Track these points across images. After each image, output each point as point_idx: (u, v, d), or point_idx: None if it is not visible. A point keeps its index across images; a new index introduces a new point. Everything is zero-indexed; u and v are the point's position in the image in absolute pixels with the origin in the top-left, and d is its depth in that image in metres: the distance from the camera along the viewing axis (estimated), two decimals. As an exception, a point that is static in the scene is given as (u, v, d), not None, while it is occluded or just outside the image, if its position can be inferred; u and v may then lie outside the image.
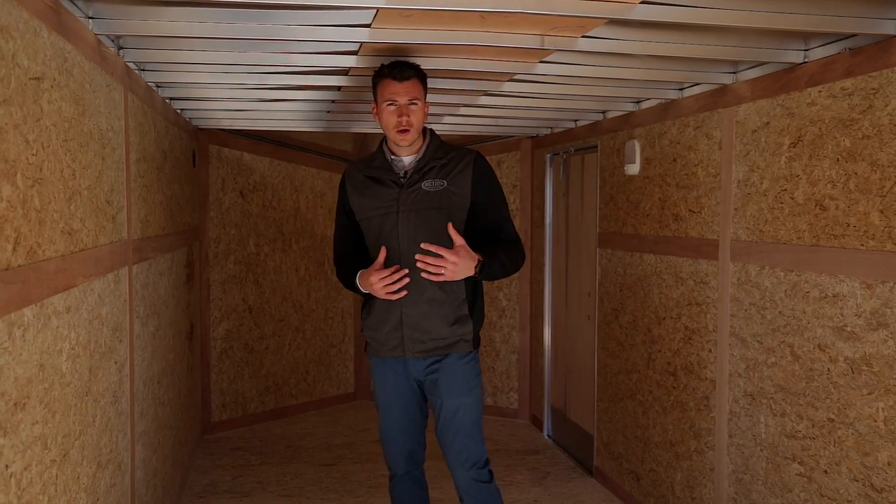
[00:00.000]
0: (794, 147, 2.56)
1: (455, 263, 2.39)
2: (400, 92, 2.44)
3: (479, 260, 2.43)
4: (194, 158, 4.53)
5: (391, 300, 2.51)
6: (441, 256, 2.38)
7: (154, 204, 3.12)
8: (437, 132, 2.73)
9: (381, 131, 4.42)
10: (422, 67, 2.51)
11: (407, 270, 2.47)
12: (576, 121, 4.34)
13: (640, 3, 1.96)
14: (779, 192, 2.63)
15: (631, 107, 3.68)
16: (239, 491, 3.99)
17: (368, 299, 2.62)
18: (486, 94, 3.26)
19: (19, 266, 1.54)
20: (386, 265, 2.50)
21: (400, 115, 2.45)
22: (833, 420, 2.39)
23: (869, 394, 2.23)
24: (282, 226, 5.32)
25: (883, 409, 2.18)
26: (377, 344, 2.62)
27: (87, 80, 2.08)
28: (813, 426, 2.48)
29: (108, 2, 2.11)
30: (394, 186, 2.53)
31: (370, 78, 2.85)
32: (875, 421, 2.21)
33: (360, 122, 4.21)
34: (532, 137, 5.12)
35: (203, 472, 4.26)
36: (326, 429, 5.15)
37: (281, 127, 4.49)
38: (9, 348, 1.48)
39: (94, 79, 2.17)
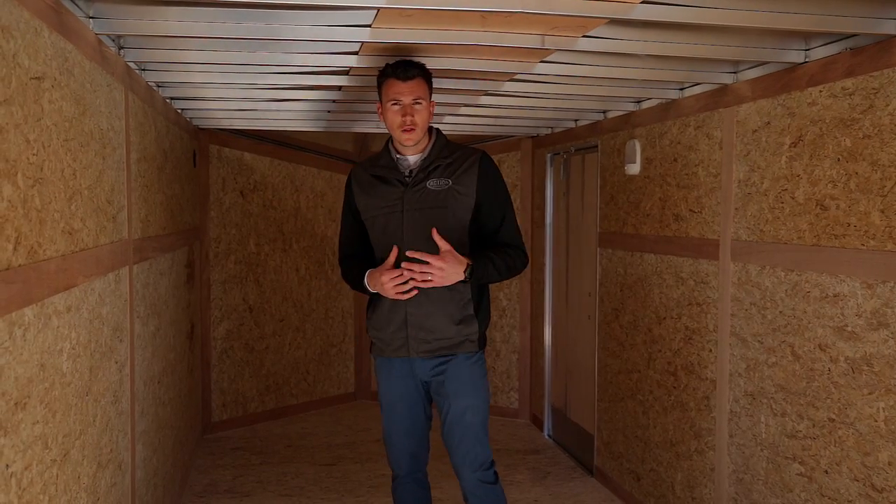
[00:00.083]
0: (794, 147, 2.56)
1: (441, 269, 2.38)
2: (404, 91, 2.44)
3: (467, 264, 2.42)
4: (195, 158, 4.53)
5: (397, 300, 2.50)
6: (427, 262, 2.38)
7: (155, 204, 3.12)
8: (438, 132, 2.73)
9: (381, 131, 4.47)
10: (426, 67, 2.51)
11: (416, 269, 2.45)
12: (576, 120, 4.34)
13: (641, 2, 1.96)
14: (779, 192, 2.63)
15: (631, 106, 3.68)
16: (239, 490, 3.99)
17: (374, 299, 2.61)
18: (487, 93, 3.26)
19: (20, 266, 1.54)
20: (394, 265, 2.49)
21: (404, 115, 2.45)
22: (834, 420, 2.39)
23: (869, 394, 2.23)
24: (282, 225, 5.32)
25: (883, 408, 2.18)
26: (382, 344, 2.61)
27: (87, 80, 2.08)
28: (813, 426, 2.48)
29: (109, 1, 2.11)
30: (399, 185, 2.53)
31: (371, 78, 2.85)
32: (876, 421, 2.21)
33: (361, 122, 4.21)
34: (532, 137, 5.12)
35: (203, 472, 4.26)
36: (327, 428, 5.15)
37: (281, 127, 4.49)
38: (9, 348, 1.48)
39: (95, 78, 2.17)
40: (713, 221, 3.03)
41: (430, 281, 2.40)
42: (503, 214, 2.57)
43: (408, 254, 2.43)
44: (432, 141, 2.57)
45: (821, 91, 2.44)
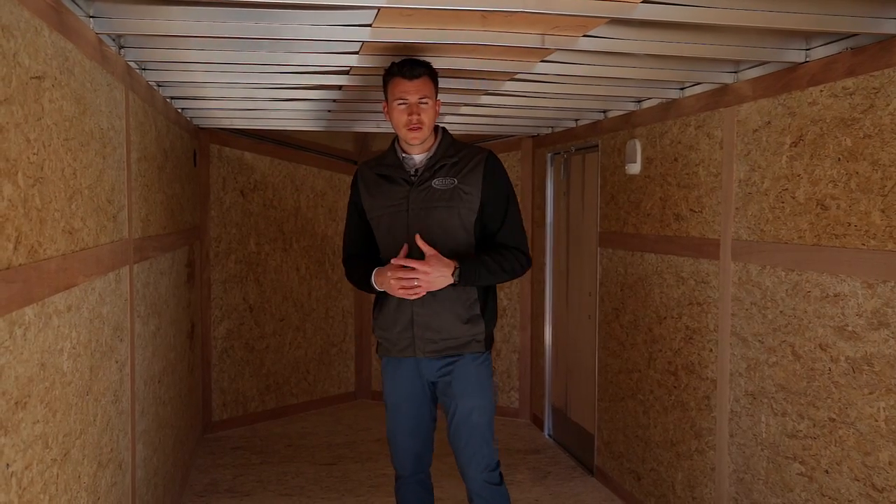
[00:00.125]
0: (795, 146, 2.56)
1: (426, 273, 2.37)
2: (410, 90, 2.43)
3: (454, 266, 2.41)
4: (195, 158, 4.53)
5: (403, 300, 2.49)
6: (413, 268, 2.37)
7: (155, 203, 3.12)
8: (439, 132, 2.72)
9: (382, 130, 4.47)
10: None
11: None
12: (577, 120, 4.34)
13: (642, 2, 1.96)
14: (780, 192, 2.63)
15: (632, 106, 3.68)
16: (240, 490, 3.99)
17: (380, 298, 2.60)
18: (487, 93, 3.26)
19: (20, 265, 1.54)
20: None
21: (410, 114, 2.44)
22: (834, 420, 2.38)
23: (870, 393, 2.23)
24: (282, 225, 5.32)
25: (884, 408, 2.18)
26: (388, 344, 2.60)
27: (88, 80, 2.08)
28: (814, 426, 2.48)
29: (110, 1, 2.11)
30: (404, 184, 2.52)
31: (372, 77, 2.85)
32: (876, 420, 2.21)
33: (362, 122, 4.21)
34: (533, 137, 5.12)
35: (204, 471, 4.26)
36: (327, 428, 5.16)
37: (282, 126, 4.49)
38: (10, 347, 1.48)
39: (95, 78, 2.17)
40: (714, 221, 3.03)
41: (419, 287, 2.40)
42: (504, 215, 2.54)
43: (393, 261, 2.43)
44: (438, 140, 2.56)
45: (821, 91, 2.44)
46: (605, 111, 3.97)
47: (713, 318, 3.05)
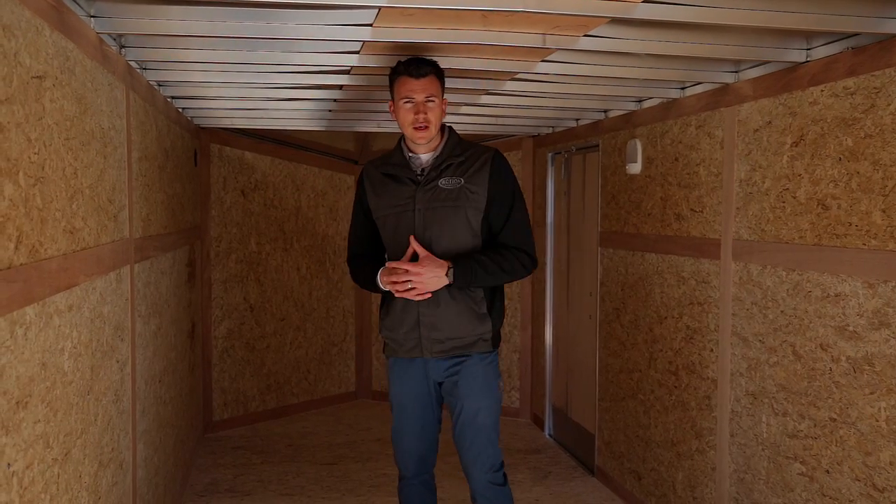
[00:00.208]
0: (796, 146, 2.56)
1: (419, 274, 2.38)
2: (417, 89, 2.41)
3: (448, 266, 2.40)
4: (196, 157, 4.53)
5: (409, 300, 2.48)
6: (406, 270, 2.38)
7: (156, 203, 3.12)
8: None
9: (383, 130, 4.47)
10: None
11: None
12: (577, 120, 4.33)
13: (642, 1, 1.96)
14: (781, 192, 2.63)
15: (633, 106, 3.68)
16: (240, 490, 3.99)
17: (387, 299, 2.59)
18: (488, 92, 3.26)
19: (21, 265, 1.54)
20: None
21: (417, 113, 2.42)
22: (835, 420, 2.38)
23: (871, 393, 2.23)
24: (283, 225, 5.33)
25: (885, 408, 2.18)
26: (395, 345, 2.59)
27: (88, 79, 2.08)
28: (815, 426, 2.48)
29: (110, 0, 2.11)
30: (411, 184, 2.50)
31: (372, 77, 2.84)
32: (877, 420, 2.21)
33: (363, 122, 4.21)
34: (533, 136, 5.12)
35: (204, 471, 4.26)
36: (328, 428, 5.16)
37: (283, 126, 4.49)
38: (11, 347, 1.48)
39: (96, 77, 2.17)
40: (714, 221, 3.03)
41: (414, 290, 2.40)
42: (508, 215, 2.51)
43: (388, 264, 2.44)
44: (445, 139, 2.54)
45: (822, 90, 2.44)
46: (605, 111, 3.97)
47: (714, 317, 3.05)
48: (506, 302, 5.26)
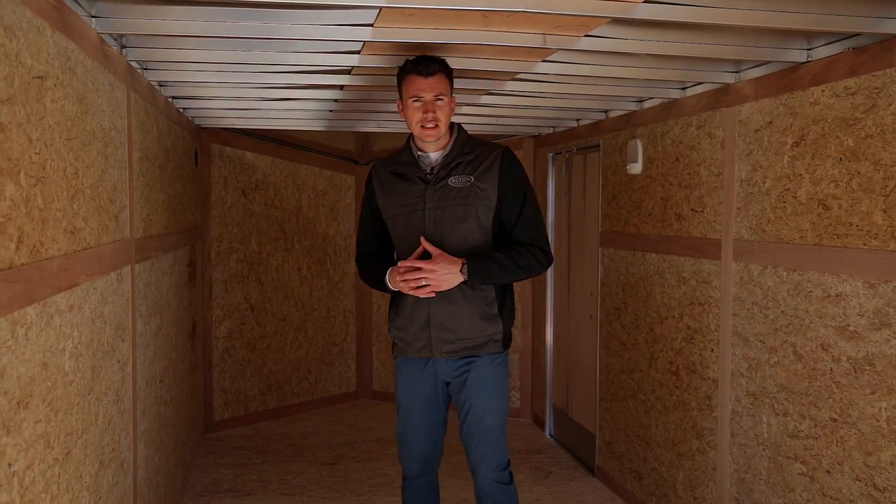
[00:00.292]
0: (796, 146, 2.56)
1: (433, 271, 2.36)
2: (425, 88, 2.40)
3: (462, 263, 2.39)
4: (197, 157, 4.53)
5: (419, 300, 2.47)
6: (420, 269, 2.37)
7: (156, 203, 3.12)
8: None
9: (384, 130, 4.46)
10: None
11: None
12: (578, 120, 4.33)
13: (643, 2, 1.96)
14: (781, 192, 2.63)
15: (633, 106, 3.68)
16: (241, 490, 3.99)
17: (396, 299, 2.58)
18: (489, 93, 3.26)
19: (22, 265, 1.54)
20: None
21: (426, 112, 2.41)
22: (836, 420, 2.38)
23: (872, 393, 2.23)
24: (284, 225, 5.33)
25: (885, 408, 2.18)
26: (404, 345, 2.58)
27: (90, 79, 2.08)
28: (815, 426, 2.48)
29: (111, 1, 2.11)
30: (420, 183, 2.49)
31: (373, 77, 2.84)
32: (878, 420, 2.21)
33: (364, 122, 4.21)
34: (534, 136, 5.12)
35: (205, 471, 4.26)
36: (328, 427, 5.16)
37: (283, 126, 4.49)
38: (12, 347, 1.49)
39: (97, 77, 2.17)
40: (715, 221, 3.03)
41: (427, 287, 2.39)
42: (520, 212, 2.49)
43: (400, 264, 2.43)
44: (454, 137, 2.52)
45: (823, 90, 2.44)
46: (606, 111, 3.97)
47: (714, 317, 3.05)
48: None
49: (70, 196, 1.89)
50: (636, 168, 3.64)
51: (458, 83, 3.01)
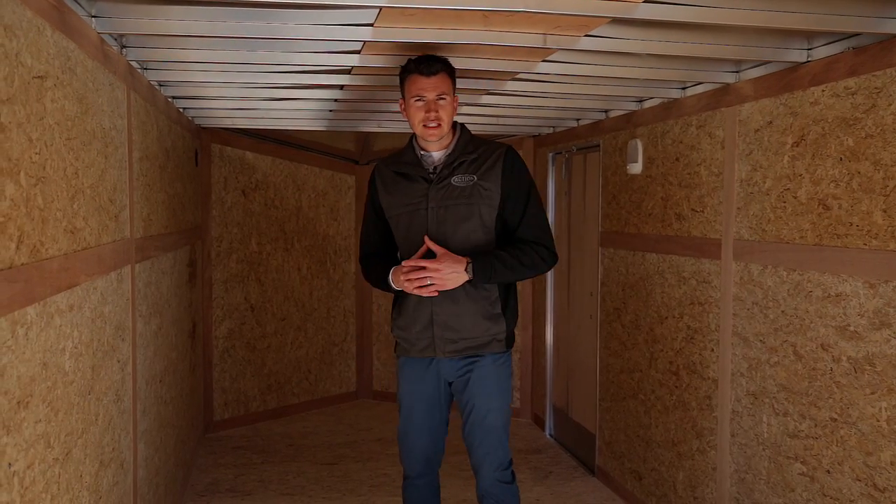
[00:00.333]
0: (797, 146, 2.56)
1: (438, 270, 2.36)
2: (428, 87, 2.39)
3: (467, 262, 2.39)
4: (197, 157, 4.53)
5: (422, 300, 2.47)
6: (424, 267, 2.36)
7: (157, 203, 3.12)
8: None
9: (384, 130, 4.46)
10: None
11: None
12: (578, 120, 4.33)
13: (643, 1, 1.96)
14: (782, 192, 2.63)
15: (633, 106, 3.68)
16: (241, 490, 3.99)
17: (399, 298, 2.58)
18: (489, 92, 3.26)
19: (22, 264, 1.54)
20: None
21: (428, 111, 2.40)
22: (836, 420, 2.38)
23: (872, 393, 2.23)
24: (284, 225, 5.33)
25: (886, 408, 2.18)
26: (407, 344, 2.58)
27: (90, 79, 2.08)
28: (815, 426, 2.48)
29: (112, 0, 2.11)
30: (423, 182, 2.48)
31: (373, 77, 2.84)
32: (878, 420, 2.21)
33: (364, 122, 4.21)
34: (534, 136, 5.12)
35: (205, 471, 4.26)
36: (328, 427, 5.16)
37: (283, 126, 4.49)
38: (12, 347, 1.49)
39: (97, 77, 2.17)
40: (715, 221, 3.03)
41: (432, 286, 2.39)
42: (524, 210, 2.48)
43: (404, 263, 2.42)
44: (457, 136, 2.52)
45: (823, 90, 2.44)
46: (606, 111, 3.97)
47: (715, 317, 3.05)
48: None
49: (70, 196, 1.89)
50: (636, 168, 3.64)
51: (458, 83, 3.01)
